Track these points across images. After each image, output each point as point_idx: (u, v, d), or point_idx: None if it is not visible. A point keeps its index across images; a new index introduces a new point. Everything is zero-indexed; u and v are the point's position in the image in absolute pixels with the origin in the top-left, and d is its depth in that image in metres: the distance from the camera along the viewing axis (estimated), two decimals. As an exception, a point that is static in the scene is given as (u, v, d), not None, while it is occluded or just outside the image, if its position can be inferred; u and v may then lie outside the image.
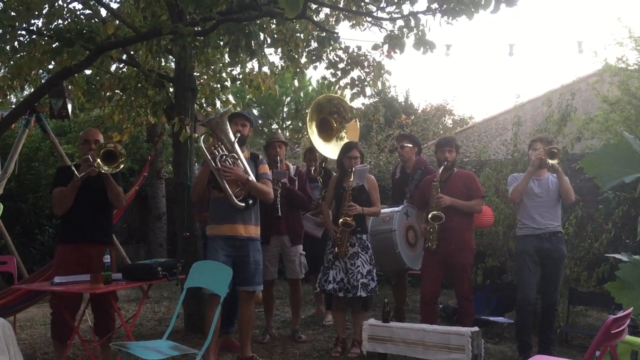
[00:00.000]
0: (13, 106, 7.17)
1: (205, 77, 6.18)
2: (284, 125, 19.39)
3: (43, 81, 6.07)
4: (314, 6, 5.02)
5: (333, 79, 5.91)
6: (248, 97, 7.11)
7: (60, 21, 5.20)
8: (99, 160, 3.88)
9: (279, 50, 5.72)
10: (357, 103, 11.11)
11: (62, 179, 4.06)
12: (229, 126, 4.19)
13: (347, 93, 6.21)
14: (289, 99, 19.00)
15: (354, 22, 5.67)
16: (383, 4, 4.67)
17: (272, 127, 19.24)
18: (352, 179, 4.64)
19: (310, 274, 5.63)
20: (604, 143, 7.22)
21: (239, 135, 4.23)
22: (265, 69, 6.16)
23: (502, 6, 3.89)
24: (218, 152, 4.11)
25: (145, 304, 6.68)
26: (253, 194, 4.20)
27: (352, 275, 4.58)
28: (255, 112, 18.30)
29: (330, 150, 5.97)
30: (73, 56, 4.85)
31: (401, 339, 4.28)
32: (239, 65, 5.71)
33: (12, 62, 5.70)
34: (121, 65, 6.03)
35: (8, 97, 6.53)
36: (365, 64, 5.76)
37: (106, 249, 3.82)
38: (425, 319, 4.58)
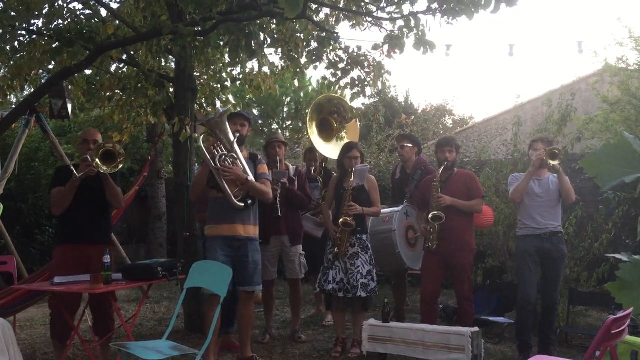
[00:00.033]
0: (13, 106, 7.17)
1: (206, 77, 6.18)
2: (284, 126, 19.39)
3: (43, 81, 6.07)
4: (314, 6, 5.02)
5: (333, 79, 5.91)
6: (248, 97, 7.10)
7: (60, 21, 5.20)
8: (97, 160, 3.87)
9: (279, 50, 5.73)
10: (357, 103, 11.13)
11: (60, 179, 4.06)
12: (228, 126, 4.19)
13: (347, 93, 6.21)
14: (289, 99, 19.00)
15: (354, 22, 5.66)
16: (383, 4, 4.67)
17: (272, 127, 19.23)
18: (352, 179, 4.64)
19: (310, 274, 5.63)
20: (604, 143, 7.22)
21: (238, 135, 4.23)
22: (266, 69, 6.17)
23: (502, 6, 3.89)
24: (217, 151, 4.11)
25: (145, 304, 6.68)
26: (252, 194, 4.20)
27: (352, 276, 4.58)
28: (255, 112, 18.29)
29: (330, 150, 5.97)
30: (73, 56, 4.85)
31: (401, 339, 4.28)
32: (239, 66, 5.71)
33: (12, 62, 5.70)
34: (121, 65, 6.03)
35: (8, 97, 6.53)
36: (366, 64, 5.76)
37: (106, 249, 3.82)
38: (425, 319, 4.58)
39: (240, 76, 6.24)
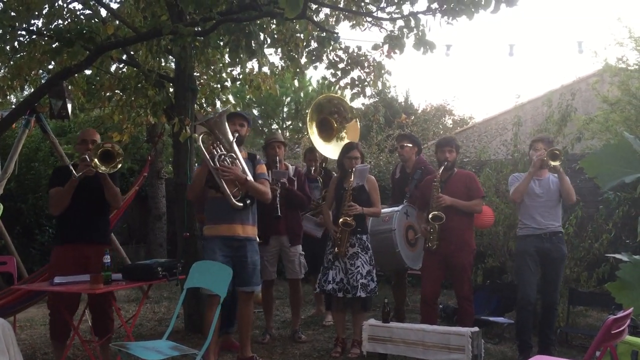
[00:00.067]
0: (13, 106, 7.17)
1: (206, 77, 6.18)
2: (284, 126, 19.40)
3: (43, 81, 6.07)
4: (314, 6, 5.02)
5: (333, 79, 5.91)
6: (248, 97, 7.09)
7: (60, 21, 5.20)
8: (96, 160, 3.87)
9: (279, 50, 5.72)
10: (357, 103, 11.13)
11: (59, 179, 4.06)
12: (227, 126, 4.18)
13: (347, 93, 6.22)
14: (289, 99, 19.00)
15: (354, 22, 5.66)
16: (383, 4, 4.67)
17: (272, 127, 19.24)
18: (352, 179, 4.64)
19: (310, 274, 5.63)
20: (604, 143, 7.22)
21: (237, 135, 4.23)
22: (266, 69, 6.17)
23: (502, 6, 3.89)
24: (217, 151, 4.11)
25: (145, 304, 6.68)
26: (251, 194, 4.19)
27: (351, 276, 4.58)
28: (255, 112, 18.29)
29: (330, 150, 5.97)
30: (73, 56, 4.85)
31: (401, 339, 4.28)
32: (239, 66, 5.71)
33: (12, 62, 5.70)
34: (121, 66, 6.03)
35: (8, 97, 6.53)
36: (366, 64, 5.76)
37: (106, 249, 3.81)
38: (425, 319, 4.58)
39: (240, 76, 6.25)
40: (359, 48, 5.77)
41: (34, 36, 5.22)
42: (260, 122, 19.08)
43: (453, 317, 5.44)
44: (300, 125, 17.91)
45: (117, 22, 5.48)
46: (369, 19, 5.14)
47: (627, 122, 7.76)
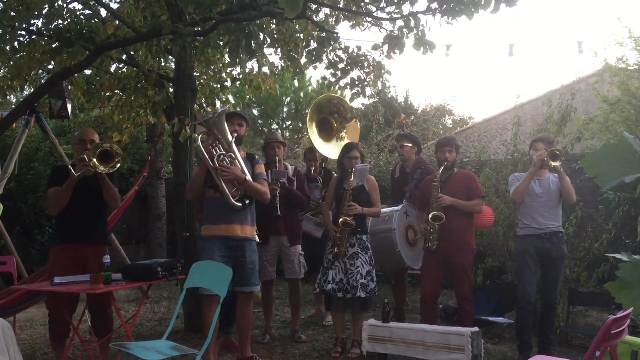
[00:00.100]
0: (13, 106, 7.17)
1: (206, 77, 6.18)
2: (284, 126, 19.37)
3: (43, 81, 6.06)
4: (314, 6, 5.02)
5: (333, 80, 5.90)
6: (248, 97, 7.10)
7: (60, 21, 5.20)
8: (95, 160, 3.87)
9: (279, 50, 5.72)
10: (357, 103, 11.13)
11: (57, 179, 4.05)
12: (226, 126, 4.18)
13: (347, 93, 6.22)
14: (289, 99, 18.98)
15: (354, 22, 5.66)
16: (383, 5, 4.67)
17: (272, 127, 19.22)
18: (352, 179, 4.64)
19: (311, 274, 5.63)
20: (604, 143, 7.21)
21: (236, 135, 4.22)
22: (266, 69, 6.17)
23: (502, 6, 3.89)
24: (216, 151, 4.10)
25: (145, 305, 6.68)
26: (250, 194, 4.19)
27: (351, 276, 4.58)
28: (255, 112, 18.28)
29: (330, 150, 5.97)
30: (73, 56, 4.85)
31: (401, 339, 4.28)
32: (239, 66, 5.71)
33: (12, 63, 5.69)
34: (121, 66, 6.02)
35: (8, 98, 6.53)
36: (366, 64, 5.76)
37: (106, 249, 3.81)
38: (425, 320, 4.58)
39: (240, 76, 6.24)
40: (359, 48, 5.78)
41: (34, 36, 5.22)
42: (260, 122, 19.07)
43: (453, 317, 5.44)
44: (300, 125, 17.90)
45: (117, 22, 5.48)
46: (369, 19, 5.14)
47: (627, 122, 7.76)
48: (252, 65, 6.02)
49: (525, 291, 4.57)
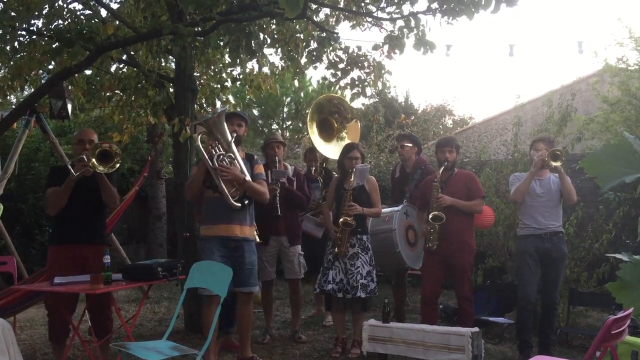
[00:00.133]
0: (13, 106, 7.17)
1: (206, 77, 6.17)
2: (284, 126, 19.37)
3: (43, 81, 6.07)
4: (314, 6, 5.02)
5: (333, 79, 5.90)
6: (248, 97, 7.09)
7: (60, 21, 5.20)
8: (93, 160, 3.86)
9: (279, 50, 5.72)
10: (357, 103, 11.13)
11: (55, 178, 4.05)
12: (226, 126, 4.18)
13: (347, 93, 6.22)
14: (289, 99, 18.97)
15: (354, 22, 5.66)
16: (383, 4, 4.67)
17: (272, 127, 19.21)
18: (352, 179, 4.64)
19: (311, 274, 5.62)
20: (604, 143, 7.21)
21: (235, 135, 4.22)
22: (266, 69, 6.17)
23: (502, 6, 3.89)
24: (215, 151, 4.10)
25: (145, 305, 6.68)
26: (249, 194, 4.19)
27: (351, 276, 4.58)
28: (255, 112, 18.28)
29: (330, 150, 5.97)
30: (73, 56, 4.85)
31: (401, 339, 4.28)
32: (239, 66, 5.71)
33: (12, 63, 5.69)
34: (121, 66, 6.02)
35: (8, 98, 6.53)
36: (366, 64, 5.76)
37: (106, 249, 3.81)
38: (425, 320, 4.58)
39: (241, 76, 6.24)
40: (359, 48, 5.78)
41: (34, 36, 5.22)
42: (260, 122, 19.06)
43: (453, 317, 5.44)
44: (301, 125, 17.89)
45: (117, 22, 5.47)
46: (369, 19, 5.14)
47: (627, 122, 7.76)
48: (252, 65, 6.03)
49: (525, 291, 4.57)
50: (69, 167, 3.98)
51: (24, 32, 5.03)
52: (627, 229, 6.35)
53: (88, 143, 4.07)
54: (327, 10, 5.63)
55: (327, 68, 5.77)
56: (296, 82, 17.82)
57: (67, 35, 4.70)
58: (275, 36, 5.39)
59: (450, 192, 4.61)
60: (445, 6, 4.10)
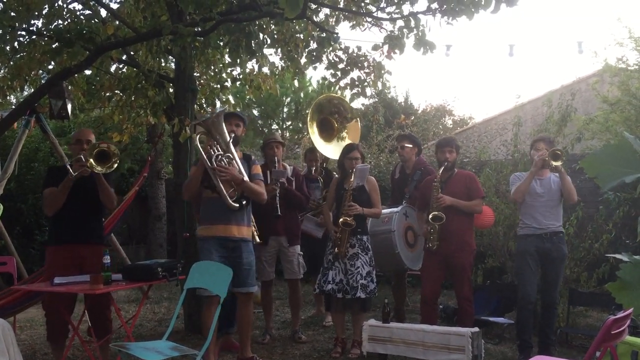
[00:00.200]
0: (13, 106, 7.17)
1: (206, 77, 6.17)
2: (284, 126, 19.37)
3: (43, 81, 6.06)
4: (313, 6, 5.02)
5: (333, 80, 5.90)
6: (248, 97, 7.09)
7: (60, 21, 5.20)
8: (91, 160, 3.86)
9: (279, 50, 5.72)
10: (357, 103, 11.13)
11: (53, 178, 4.04)
12: (224, 126, 4.18)
13: (347, 93, 6.22)
14: (289, 99, 18.97)
15: (354, 22, 5.66)
16: (383, 5, 4.67)
17: (272, 127, 19.21)
18: (352, 179, 4.64)
19: (311, 274, 5.62)
20: (604, 143, 7.22)
21: (233, 135, 4.22)
22: (266, 69, 6.16)
23: (502, 6, 3.89)
24: (214, 151, 4.10)
25: (145, 305, 6.68)
26: (247, 195, 4.19)
27: (351, 277, 4.58)
28: (255, 112, 18.28)
29: (331, 150, 5.97)
30: (73, 56, 4.85)
31: (401, 339, 4.28)
32: (239, 66, 5.71)
33: (12, 63, 5.69)
34: (121, 66, 6.02)
35: (8, 98, 6.53)
36: (365, 64, 5.76)
37: (106, 250, 3.81)
38: (425, 320, 4.58)
39: (241, 76, 6.24)
40: (359, 48, 5.78)
41: (34, 36, 5.22)
42: (260, 122, 19.06)
43: (453, 317, 5.44)
44: (300, 125, 17.89)
45: (117, 22, 5.47)
46: (369, 19, 5.14)
47: (627, 122, 7.76)
48: (252, 65, 6.03)
49: (525, 291, 4.57)
50: (68, 167, 3.98)
51: (23, 32, 5.03)
52: (627, 229, 6.35)
53: (86, 143, 4.07)
54: (327, 11, 5.63)
55: (327, 68, 5.77)
56: (296, 82, 17.83)
57: (67, 36, 4.71)
58: (275, 36, 5.39)
59: (450, 192, 4.61)
60: (445, 6, 4.10)
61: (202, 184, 4.15)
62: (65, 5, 5.23)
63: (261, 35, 5.00)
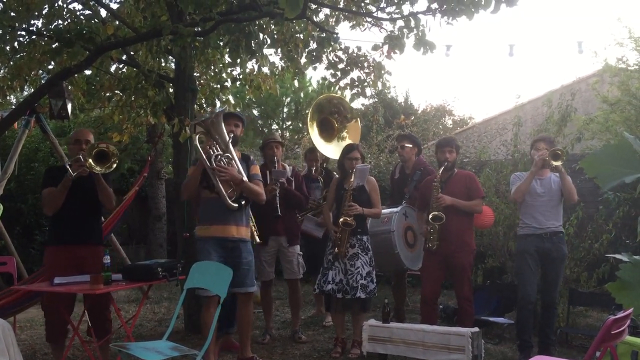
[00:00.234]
0: (13, 106, 7.17)
1: (206, 77, 6.17)
2: (284, 126, 19.37)
3: (43, 82, 6.06)
4: (313, 6, 5.02)
5: (333, 80, 5.90)
6: (248, 97, 7.09)
7: (60, 22, 5.19)
8: (90, 160, 3.86)
9: (279, 50, 5.72)
10: (357, 103, 11.11)
11: (52, 179, 4.04)
12: (223, 126, 4.17)
13: (347, 93, 6.21)
14: (289, 99, 18.97)
15: (354, 22, 5.66)
16: (383, 5, 4.67)
17: (272, 127, 19.22)
18: (352, 179, 4.64)
19: (311, 274, 5.62)
20: (604, 143, 7.22)
21: (232, 135, 4.22)
22: (266, 69, 6.16)
23: (502, 6, 3.89)
24: (213, 151, 4.10)
25: (145, 305, 6.68)
26: (246, 195, 4.19)
27: (351, 277, 4.58)
28: (255, 112, 18.28)
29: (331, 150, 5.97)
30: (73, 57, 4.85)
31: (401, 339, 4.28)
32: (239, 66, 5.71)
33: (12, 63, 5.70)
34: (121, 66, 6.02)
35: (8, 98, 6.53)
36: (365, 64, 5.76)
37: (106, 250, 3.81)
38: (425, 320, 4.58)
39: (240, 76, 6.24)
40: (359, 48, 5.77)
41: (34, 36, 5.22)
42: (260, 122, 19.06)
43: (453, 317, 5.44)
44: (300, 125, 17.89)
45: (117, 22, 5.47)
46: (369, 19, 5.14)
47: (627, 122, 7.76)
48: (252, 65, 6.02)
49: (525, 291, 4.57)
50: (68, 166, 3.98)
51: (23, 32, 5.03)
52: (627, 229, 6.35)
53: (85, 143, 4.07)
54: (326, 11, 5.63)
55: (327, 68, 5.77)
56: (296, 82, 17.83)
57: (67, 36, 4.71)
58: (275, 36, 5.39)
59: (450, 192, 4.61)
60: (445, 6, 4.10)
61: (201, 184, 4.15)
62: (65, 5, 5.23)
63: (261, 35, 5.00)
